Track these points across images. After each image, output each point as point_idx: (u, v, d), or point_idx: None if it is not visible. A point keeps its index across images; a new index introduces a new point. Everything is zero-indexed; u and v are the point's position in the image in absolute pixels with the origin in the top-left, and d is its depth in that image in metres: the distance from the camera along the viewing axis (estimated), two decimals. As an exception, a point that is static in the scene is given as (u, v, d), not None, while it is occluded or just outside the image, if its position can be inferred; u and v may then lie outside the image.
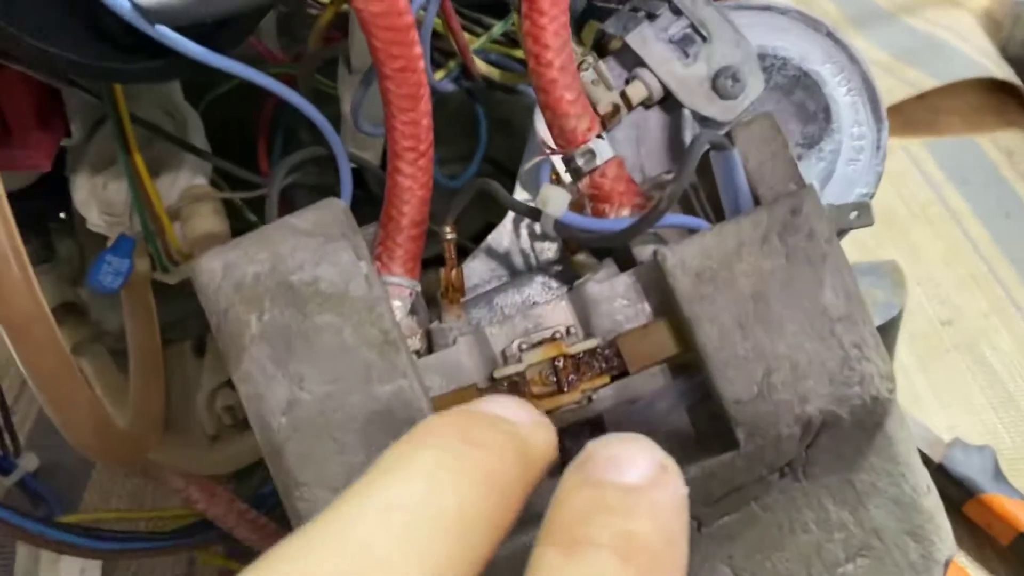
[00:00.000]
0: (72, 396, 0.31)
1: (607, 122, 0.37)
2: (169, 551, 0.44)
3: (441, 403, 0.29)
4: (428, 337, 0.32)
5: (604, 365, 0.29)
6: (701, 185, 0.31)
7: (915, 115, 0.78)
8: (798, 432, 0.27)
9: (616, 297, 0.30)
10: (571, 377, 0.29)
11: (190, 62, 0.29)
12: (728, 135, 0.29)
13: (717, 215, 0.31)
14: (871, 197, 0.38)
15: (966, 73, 0.76)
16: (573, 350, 0.29)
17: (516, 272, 0.36)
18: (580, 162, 0.30)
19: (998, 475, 0.50)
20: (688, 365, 0.29)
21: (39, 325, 0.31)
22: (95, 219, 0.42)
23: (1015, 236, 0.69)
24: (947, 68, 0.77)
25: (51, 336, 0.30)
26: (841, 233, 0.37)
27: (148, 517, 0.43)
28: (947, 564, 0.28)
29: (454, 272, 0.31)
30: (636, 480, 0.17)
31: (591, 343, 0.29)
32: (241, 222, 0.44)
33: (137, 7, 0.28)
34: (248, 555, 0.42)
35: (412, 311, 0.31)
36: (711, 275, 0.27)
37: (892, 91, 0.77)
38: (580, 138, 0.30)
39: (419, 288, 0.32)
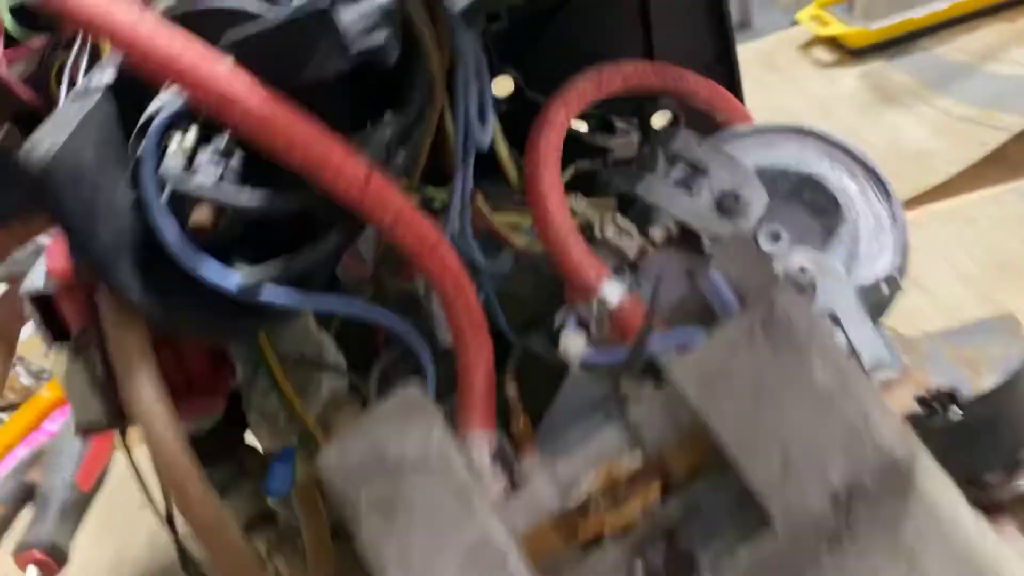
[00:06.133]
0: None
1: (639, 263, 0.43)
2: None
3: (526, 541, 0.34)
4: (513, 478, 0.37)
5: (653, 476, 0.33)
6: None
7: (1018, 157, 0.77)
8: (828, 505, 0.29)
9: (654, 417, 0.34)
10: (626, 492, 0.33)
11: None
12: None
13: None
14: (902, 266, 0.41)
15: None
16: (622, 468, 0.33)
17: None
18: (598, 310, 0.36)
19: None
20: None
21: (227, 531, 0.39)
22: (267, 444, 0.52)
23: None
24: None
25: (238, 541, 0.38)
26: (881, 307, 0.40)
27: None
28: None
29: (522, 420, 0.37)
30: None
31: (637, 459, 0.33)
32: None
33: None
34: None
35: (495, 457, 0.37)
36: (712, 376, 0.31)
37: (987, 142, 0.77)
38: (592, 284, 0.36)
39: (495, 437, 0.38)
